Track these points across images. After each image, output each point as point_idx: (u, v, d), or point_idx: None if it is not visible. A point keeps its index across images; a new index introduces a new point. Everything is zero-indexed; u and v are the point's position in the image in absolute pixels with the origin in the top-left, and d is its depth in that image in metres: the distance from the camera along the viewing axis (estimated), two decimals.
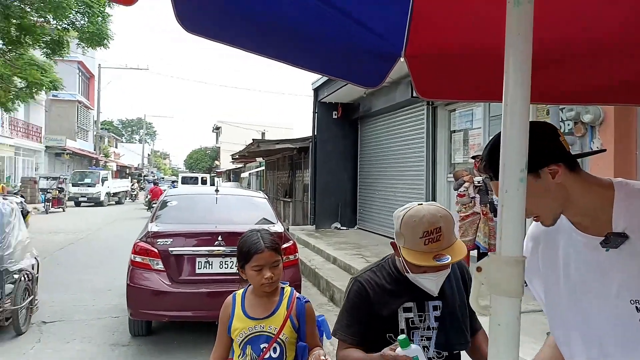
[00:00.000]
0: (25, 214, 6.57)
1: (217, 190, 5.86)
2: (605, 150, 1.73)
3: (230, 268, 4.78)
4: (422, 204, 1.54)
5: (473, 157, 6.13)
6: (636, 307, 1.09)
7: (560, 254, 1.21)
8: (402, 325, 1.56)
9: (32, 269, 5.27)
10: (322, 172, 12.65)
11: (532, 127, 1.08)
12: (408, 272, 1.54)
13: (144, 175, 45.11)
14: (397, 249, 1.56)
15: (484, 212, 5.92)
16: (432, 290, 1.54)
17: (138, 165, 55.45)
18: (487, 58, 1.42)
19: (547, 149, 1.11)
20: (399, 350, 1.37)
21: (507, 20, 0.93)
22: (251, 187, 26.67)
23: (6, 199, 5.68)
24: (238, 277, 5.22)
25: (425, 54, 1.59)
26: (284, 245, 4.96)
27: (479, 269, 0.95)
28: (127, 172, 50.30)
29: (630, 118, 4.85)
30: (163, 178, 47.28)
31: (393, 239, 1.60)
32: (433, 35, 1.53)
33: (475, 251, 6.09)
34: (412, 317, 1.57)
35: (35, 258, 5.46)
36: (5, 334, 4.94)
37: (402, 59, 1.62)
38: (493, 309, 0.91)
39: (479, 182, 6.03)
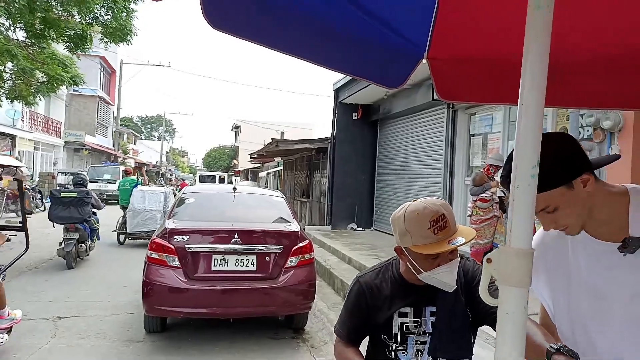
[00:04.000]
0: (175, 195, 10.52)
1: (234, 189, 5.81)
2: (620, 156, 1.59)
3: (247, 266, 4.73)
4: (416, 200, 1.51)
5: (489, 165, 6.23)
6: None
7: (571, 260, 1.23)
8: (396, 329, 1.56)
9: None
10: (339, 173, 12.56)
11: (561, 138, 1.17)
12: (420, 273, 1.49)
13: (162, 173, 45.56)
14: (404, 253, 1.52)
15: (501, 215, 6.17)
16: (450, 284, 1.49)
17: (156, 162, 56.05)
18: (507, 63, 1.46)
19: (578, 158, 1.14)
20: None
21: (527, 23, 0.97)
22: (269, 186, 26.69)
23: (169, 187, 12.08)
24: (254, 274, 5.14)
25: (447, 57, 1.62)
26: (300, 244, 4.91)
27: (489, 260, 0.99)
28: (145, 169, 50.86)
29: None
30: (178, 176, 47.82)
31: None
32: (455, 39, 1.55)
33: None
34: (407, 322, 1.56)
35: None
36: (20, 330, 4.96)
37: (424, 61, 1.64)
38: (501, 299, 0.95)
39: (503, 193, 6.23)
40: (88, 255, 8.53)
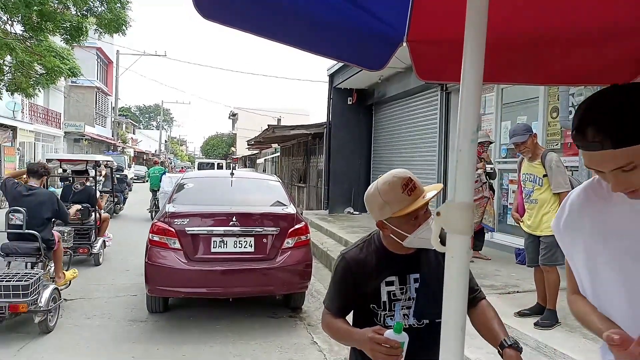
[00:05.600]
0: None
1: (232, 173, 5.98)
2: None
3: (245, 247, 4.92)
4: (379, 177, 1.64)
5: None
6: None
7: (616, 226, 1.18)
8: (384, 298, 1.66)
9: None
10: (336, 158, 12.70)
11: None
12: (405, 238, 1.59)
13: (162, 162, 45.74)
14: (386, 226, 1.62)
15: (491, 196, 6.29)
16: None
17: (155, 151, 56.12)
18: (500, 43, 1.49)
19: None
20: (389, 332, 1.44)
21: (467, 7, 1.10)
22: (267, 172, 26.84)
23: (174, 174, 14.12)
24: (252, 255, 5.31)
25: (426, 39, 1.68)
26: (296, 226, 5.09)
27: (438, 214, 1.14)
28: (144, 158, 50.94)
29: None
30: (176, 164, 48.15)
31: None
32: (432, 21, 1.61)
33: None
34: (394, 290, 1.67)
35: None
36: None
37: (404, 44, 1.69)
38: (449, 245, 1.12)
39: (491, 168, 6.36)
40: (119, 213, 14.05)
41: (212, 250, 4.86)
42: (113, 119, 35.55)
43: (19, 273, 4.45)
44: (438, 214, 1.14)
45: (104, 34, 10.38)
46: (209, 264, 4.81)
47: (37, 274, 4.47)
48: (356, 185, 12.62)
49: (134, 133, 51.96)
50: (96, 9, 9.51)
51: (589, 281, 1.25)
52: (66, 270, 5.64)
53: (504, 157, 7.32)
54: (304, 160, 16.73)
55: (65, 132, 29.57)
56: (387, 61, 1.76)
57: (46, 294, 4.45)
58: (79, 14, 9.55)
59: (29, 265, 5.09)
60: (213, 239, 4.87)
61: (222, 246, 4.89)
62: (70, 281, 5.68)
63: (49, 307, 4.44)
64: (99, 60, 33.55)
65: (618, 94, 1.04)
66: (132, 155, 43.34)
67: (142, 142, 53.53)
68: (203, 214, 5.03)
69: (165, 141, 65.92)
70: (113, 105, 34.89)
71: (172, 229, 4.80)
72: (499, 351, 1.45)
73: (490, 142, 6.53)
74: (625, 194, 1.10)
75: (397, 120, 11.19)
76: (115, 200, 13.37)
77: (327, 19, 1.51)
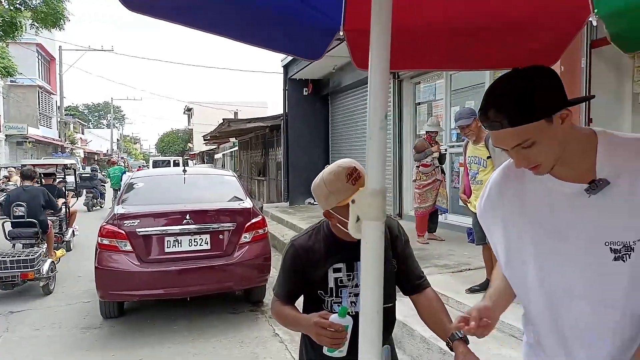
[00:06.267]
0: None
1: (184, 170, 5.81)
2: (594, 96, 1.53)
3: (200, 245, 4.80)
4: (326, 167, 1.66)
5: (427, 132, 6.53)
6: (610, 248, 1.15)
7: (530, 203, 1.25)
8: (331, 284, 1.69)
9: None
10: (294, 149, 12.64)
11: (545, 71, 1.12)
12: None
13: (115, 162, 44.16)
14: (332, 215, 1.63)
15: (443, 179, 6.48)
16: None
17: (107, 150, 54.06)
18: (415, 31, 1.57)
19: (560, 93, 1.10)
20: (334, 317, 1.48)
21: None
22: (225, 167, 26.41)
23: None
24: (209, 253, 5.23)
25: (361, 28, 1.67)
26: (253, 220, 5.01)
27: (353, 201, 1.16)
28: (95, 158, 48.99)
29: (575, 75, 4.96)
30: (132, 164, 46.58)
31: None
32: (366, 10, 1.63)
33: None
34: (341, 277, 1.70)
35: None
36: None
37: (341, 33, 1.70)
38: (363, 232, 1.14)
39: (445, 150, 6.56)
40: (102, 207, 16.07)
41: (167, 250, 4.71)
42: (59, 119, 33.86)
43: (24, 251, 5.83)
44: (353, 201, 1.16)
45: (41, 28, 9.82)
46: (164, 264, 4.66)
47: (38, 251, 5.90)
48: (315, 175, 12.50)
49: (82, 133, 49.83)
50: (30, 2, 8.95)
51: (504, 253, 1.33)
52: (56, 250, 7.14)
53: (455, 141, 7.50)
54: (263, 153, 16.56)
55: (6, 135, 27.88)
56: (325, 51, 1.77)
57: (46, 265, 5.82)
58: (11, 7, 8.96)
59: (27, 246, 6.33)
60: (167, 238, 4.72)
61: (177, 245, 4.75)
62: (59, 258, 7.13)
63: (49, 275, 5.88)
64: (39, 57, 31.76)
65: (516, 77, 1.12)
66: (82, 156, 41.59)
67: (93, 142, 51.48)
68: (155, 214, 4.86)
69: (118, 140, 63.62)
70: (58, 104, 33.21)
71: (122, 231, 4.61)
72: (447, 343, 1.49)
73: (438, 132, 6.72)
74: (530, 170, 1.17)
75: (353, 109, 11.24)
76: (92, 195, 15.51)
77: (263, 8, 1.47)
